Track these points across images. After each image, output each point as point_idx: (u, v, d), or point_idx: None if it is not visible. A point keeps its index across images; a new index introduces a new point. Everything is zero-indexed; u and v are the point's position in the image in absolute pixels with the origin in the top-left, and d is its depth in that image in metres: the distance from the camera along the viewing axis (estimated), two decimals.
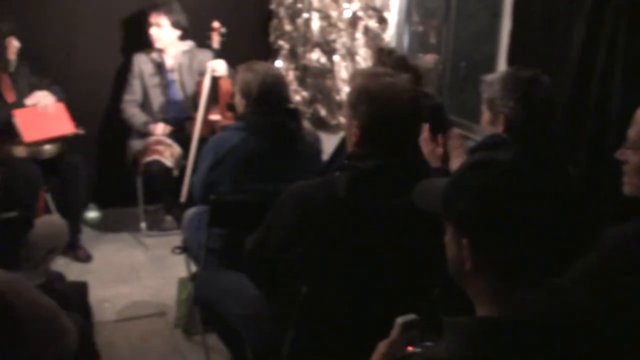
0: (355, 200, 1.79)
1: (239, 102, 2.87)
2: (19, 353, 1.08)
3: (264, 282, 2.11)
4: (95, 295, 2.90)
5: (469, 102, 3.43)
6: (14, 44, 3.80)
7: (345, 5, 3.91)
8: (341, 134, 3.73)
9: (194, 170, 3.50)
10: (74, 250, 4.00)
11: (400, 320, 1.32)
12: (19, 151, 3.75)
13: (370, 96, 1.84)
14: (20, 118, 3.75)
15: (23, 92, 3.89)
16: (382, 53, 3.09)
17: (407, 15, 3.82)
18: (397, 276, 1.86)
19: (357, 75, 2.04)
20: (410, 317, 1.33)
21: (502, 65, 3.04)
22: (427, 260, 1.80)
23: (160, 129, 4.21)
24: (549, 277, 1.09)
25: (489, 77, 2.44)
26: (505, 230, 1.06)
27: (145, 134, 4.24)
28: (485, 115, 2.42)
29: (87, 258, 4.02)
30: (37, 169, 3.74)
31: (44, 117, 3.84)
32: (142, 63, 4.33)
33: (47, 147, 3.83)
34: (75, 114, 4.20)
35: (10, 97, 3.84)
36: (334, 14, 4.02)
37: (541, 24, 2.66)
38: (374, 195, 1.80)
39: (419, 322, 1.33)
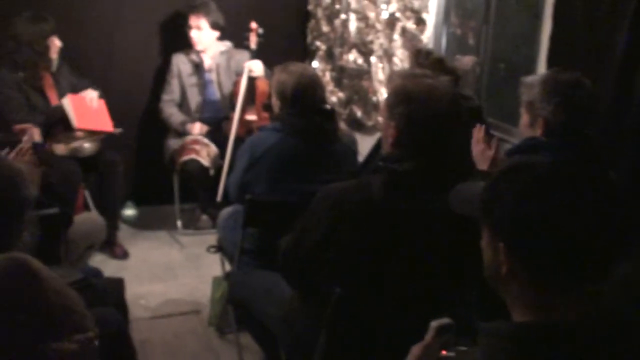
0: (390, 202, 1.78)
1: (275, 102, 2.88)
2: (40, 326, 1.09)
3: (298, 282, 2.11)
4: (131, 292, 2.94)
5: (507, 104, 3.39)
6: (56, 43, 3.87)
7: (383, 6, 3.90)
8: (377, 135, 3.72)
9: (230, 170, 3.52)
10: (111, 247, 4.05)
11: (434, 323, 1.31)
12: (60, 149, 3.82)
13: (407, 97, 1.83)
14: (73, 103, 3.84)
15: (64, 92, 3.96)
16: (419, 54, 3.07)
17: (446, 17, 3.79)
18: (432, 279, 1.84)
19: (395, 77, 2.03)
20: (445, 321, 1.32)
21: (542, 67, 2.99)
22: (462, 264, 1.78)
23: (197, 128, 4.25)
24: (587, 283, 1.07)
25: (529, 80, 2.41)
26: (542, 235, 1.04)
27: (182, 133, 4.28)
28: (524, 118, 2.39)
29: (123, 255, 4.07)
30: (77, 166, 3.80)
31: (90, 109, 3.92)
32: (180, 63, 4.37)
33: (87, 145, 3.89)
34: (115, 113, 4.27)
35: (53, 96, 3.91)
36: (371, 15, 4.01)
37: (582, 25, 2.62)
38: (410, 197, 1.78)
39: (454, 326, 1.32)
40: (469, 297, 1.94)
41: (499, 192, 1.10)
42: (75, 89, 4.02)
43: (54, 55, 3.89)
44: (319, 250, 1.89)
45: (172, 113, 4.35)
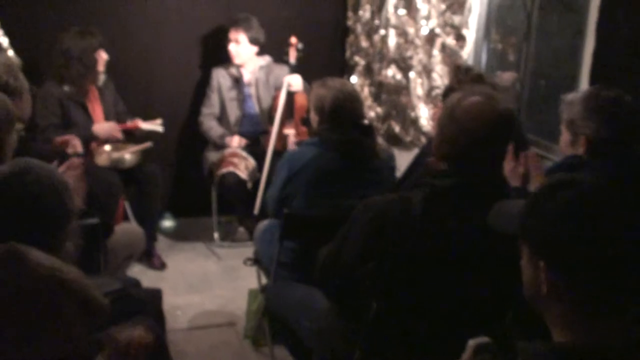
0: (430, 217, 1.77)
1: (313, 117, 2.90)
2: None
3: (335, 295, 2.11)
4: (169, 302, 2.96)
5: (548, 121, 3.35)
6: (103, 56, 3.95)
7: (422, 22, 3.90)
8: (415, 151, 3.71)
9: (268, 183, 3.55)
10: (149, 257, 4.10)
11: (472, 342, 1.30)
12: (101, 160, 3.89)
13: (453, 114, 1.82)
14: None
15: (109, 107, 4.05)
16: (459, 70, 3.05)
17: (486, 33, 3.77)
18: (471, 297, 1.82)
19: (453, 93, 2.03)
20: (483, 339, 1.30)
21: (584, 84, 2.96)
22: (501, 282, 1.76)
23: (236, 141, 4.29)
24: (630, 306, 1.05)
25: (570, 97, 2.38)
26: (585, 255, 1.03)
27: (221, 146, 4.33)
28: (565, 135, 2.36)
29: (161, 266, 4.11)
30: (118, 177, 3.86)
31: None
32: (220, 77, 4.42)
33: (128, 156, 3.95)
34: None
35: (97, 110, 3.99)
36: (411, 30, 4.01)
37: (626, 42, 2.58)
38: (450, 213, 1.77)
39: (491, 345, 1.30)
40: (507, 315, 1.91)
41: (540, 210, 1.09)
42: (116, 108, 4.11)
43: (101, 68, 3.97)
44: (357, 263, 1.88)
45: (211, 126, 4.40)
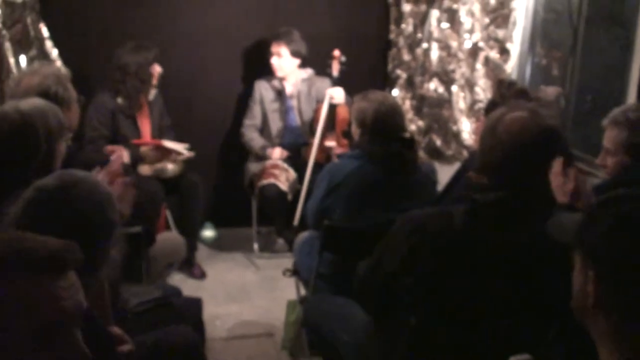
0: (472, 232, 1.75)
1: (355, 130, 2.90)
2: None
3: (374, 308, 2.10)
4: (208, 311, 2.98)
5: (593, 136, 3.30)
6: (158, 69, 4.03)
7: (466, 35, 3.88)
8: (456, 165, 3.68)
9: (308, 195, 3.55)
10: (190, 267, 4.14)
11: (513, 359, 1.28)
12: (144, 170, 3.95)
13: (495, 129, 1.81)
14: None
15: (155, 121, 4.12)
16: (502, 85, 3.03)
17: (531, 47, 3.73)
18: (512, 313, 1.80)
19: (495, 107, 2.02)
20: (524, 357, 1.28)
21: (631, 99, 2.91)
22: (544, 298, 1.73)
23: (277, 153, 4.31)
24: None
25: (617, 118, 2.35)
26: (634, 267, 1.01)
27: (262, 157, 4.36)
28: (615, 159, 2.32)
29: (201, 275, 4.15)
30: (160, 187, 3.92)
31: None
32: (263, 89, 4.46)
33: (170, 166, 4.01)
34: (197, 136, 4.40)
35: (145, 124, 4.06)
36: (454, 44, 4.00)
37: None
38: (493, 228, 1.75)
39: None
40: (550, 332, 1.88)
41: (596, 220, 1.09)
42: (161, 122, 4.18)
43: (154, 81, 4.05)
44: (396, 276, 1.87)
45: (252, 137, 4.44)
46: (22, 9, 3.53)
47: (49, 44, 3.88)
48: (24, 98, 2.33)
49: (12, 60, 3.32)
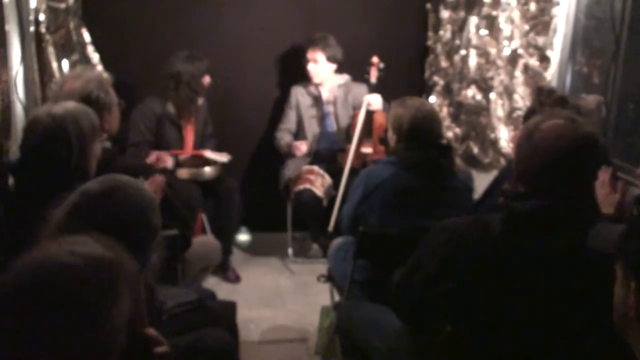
0: (509, 240, 1.73)
1: (391, 136, 2.89)
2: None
3: (408, 317, 2.08)
4: (242, 315, 3.00)
5: (636, 146, 3.23)
6: (207, 80, 4.08)
7: (505, 42, 3.84)
8: (494, 173, 3.64)
9: (343, 201, 3.55)
10: (224, 270, 4.17)
11: None
12: (183, 173, 4.00)
13: (532, 137, 1.78)
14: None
15: (200, 128, 4.17)
16: (541, 92, 2.98)
17: (571, 54, 3.67)
18: (549, 324, 1.77)
19: (534, 115, 1.99)
20: None
21: None
22: (583, 309, 1.70)
23: (303, 147, 4.31)
24: None
25: None
26: None
27: (290, 154, 4.37)
28: None
29: (236, 279, 4.17)
30: (197, 190, 3.96)
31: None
32: (299, 95, 4.48)
33: (208, 169, 4.05)
34: (234, 141, 4.45)
35: (189, 131, 4.11)
36: (492, 51, 3.96)
37: None
38: (530, 237, 1.73)
39: None
40: (588, 343, 1.84)
41: (637, 231, 1.07)
42: (204, 130, 4.22)
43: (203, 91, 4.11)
44: (431, 285, 1.86)
45: (282, 137, 4.46)
46: (66, 14, 3.61)
47: (90, 48, 3.95)
48: (67, 101, 2.38)
49: (55, 65, 3.39)
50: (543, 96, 2.91)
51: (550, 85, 3.53)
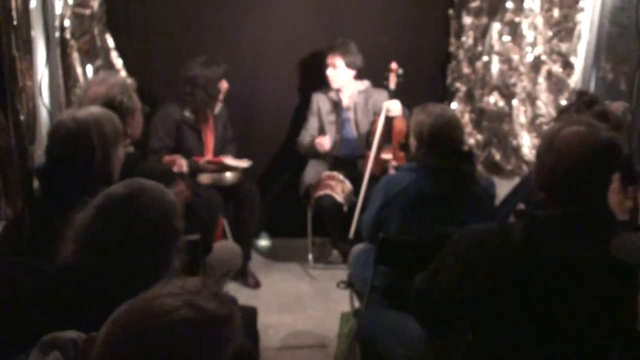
0: (531, 247, 1.72)
1: (412, 142, 2.88)
2: None
3: (429, 323, 2.07)
4: (261, 321, 3.00)
5: None
6: (225, 85, 4.10)
7: (528, 49, 3.82)
8: (516, 180, 3.61)
9: (363, 207, 3.54)
10: (244, 276, 4.17)
11: None
12: (203, 178, 4.01)
13: (552, 143, 1.77)
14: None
15: (219, 134, 4.18)
16: (582, 98, 2.93)
17: (595, 61, 3.64)
18: (572, 331, 1.75)
19: (555, 122, 1.98)
20: None
21: None
22: (606, 316, 1.68)
23: (326, 142, 4.31)
24: None
25: None
26: None
27: (314, 153, 4.37)
28: None
29: (256, 284, 4.18)
30: (218, 195, 3.97)
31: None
32: (320, 101, 4.48)
33: (228, 175, 4.06)
34: (255, 146, 4.46)
35: (209, 136, 4.13)
36: (515, 57, 3.94)
37: None
38: (552, 244, 1.71)
39: None
40: (611, 353, 1.82)
41: None
42: (224, 135, 4.23)
43: (221, 97, 4.12)
44: (453, 292, 1.85)
45: (304, 138, 4.46)
46: (90, 20, 3.65)
47: (114, 54, 3.99)
48: (91, 106, 2.40)
49: (79, 70, 3.43)
50: (582, 103, 2.86)
51: (591, 93, 3.49)
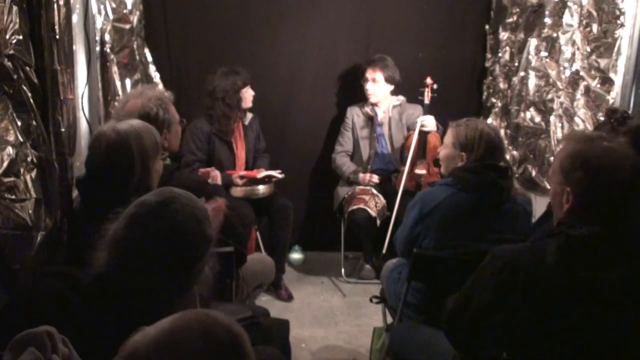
0: (566, 268, 1.69)
1: (457, 155, 2.84)
2: None
3: (463, 344, 2.05)
4: (293, 334, 3.00)
5: None
6: (249, 92, 4.12)
7: (565, 64, 3.78)
8: None
9: (397, 222, 3.53)
10: (277, 289, 4.18)
11: None
12: (236, 192, 4.04)
13: (586, 162, 1.75)
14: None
15: (250, 145, 4.21)
16: (613, 116, 2.88)
17: (635, 76, 3.58)
18: (606, 353, 1.72)
19: (569, 140, 1.94)
20: None
21: None
22: None
23: (368, 178, 4.31)
24: None
25: None
26: None
27: (353, 182, 4.37)
28: None
29: (288, 297, 4.18)
30: (251, 209, 3.99)
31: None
32: (355, 115, 4.49)
33: (261, 187, 4.08)
34: (289, 159, 4.48)
35: (240, 147, 4.16)
36: (552, 73, 3.89)
37: None
38: (587, 264, 1.68)
39: None
40: None
41: None
42: (256, 145, 4.26)
43: (248, 104, 4.14)
44: (486, 313, 1.83)
45: (344, 162, 4.47)
46: (130, 35, 3.71)
47: (152, 68, 4.05)
48: (131, 119, 2.43)
49: (118, 84, 3.49)
50: (615, 121, 2.81)
51: (624, 109, 3.44)
